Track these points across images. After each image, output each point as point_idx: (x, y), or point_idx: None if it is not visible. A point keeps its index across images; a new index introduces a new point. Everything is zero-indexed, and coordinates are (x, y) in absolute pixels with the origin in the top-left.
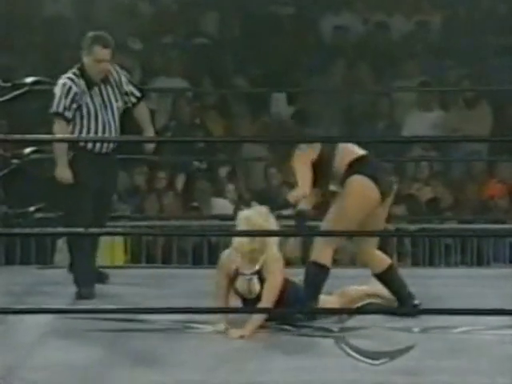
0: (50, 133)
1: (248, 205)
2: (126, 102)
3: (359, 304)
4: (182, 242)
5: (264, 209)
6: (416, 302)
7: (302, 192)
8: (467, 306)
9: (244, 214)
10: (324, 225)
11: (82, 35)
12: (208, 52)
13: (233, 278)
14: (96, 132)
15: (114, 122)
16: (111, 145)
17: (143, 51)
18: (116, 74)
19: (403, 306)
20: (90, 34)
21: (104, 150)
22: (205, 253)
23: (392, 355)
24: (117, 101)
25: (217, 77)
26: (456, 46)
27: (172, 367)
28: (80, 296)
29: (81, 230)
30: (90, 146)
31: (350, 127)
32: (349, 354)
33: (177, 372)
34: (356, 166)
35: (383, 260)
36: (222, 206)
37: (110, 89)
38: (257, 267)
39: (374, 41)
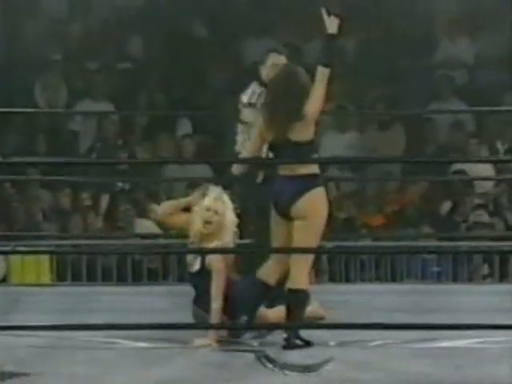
0: None
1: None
2: None
3: None
4: (107, 260)
5: (218, 192)
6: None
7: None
8: (381, 320)
9: (204, 203)
10: None
11: (9, 55)
12: (132, 75)
13: None
14: None
15: None
16: None
17: (70, 73)
18: None
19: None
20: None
21: None
22: (128, 270)
23: (309, 368)
24: None
25: (140, 99)
26: (371, 68)
27: (94, 381)
28: None
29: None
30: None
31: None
32: (269, 368)
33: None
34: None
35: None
36: (146, 226)
37: None
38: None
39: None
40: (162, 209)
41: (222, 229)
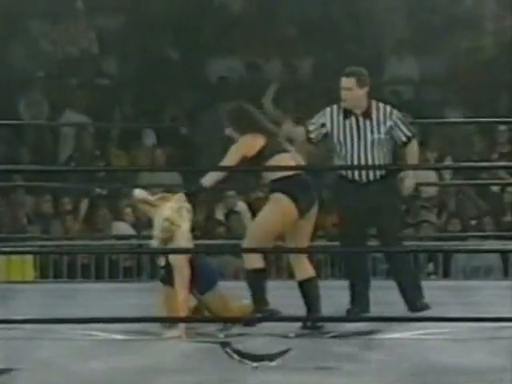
0: None
1: (144, 227)
2: (394, 139)
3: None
4: (85, 260)
5: (178, 204)
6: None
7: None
8: (336, 314)
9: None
10: (248, 231)
11: None
12: (109, 91)
13: None
14: (351, 161)
15: (370, 153)
16: (372, 174)
17: (52, 89)
18: (378, 110)
19: (309, 318)
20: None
21: (364, 180)
22: (106, 269)
23: (271, 357)
24: (373, 133)
25: (116, 113)
26: (323, 85)
27: (74, 369)
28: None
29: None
30: (349, 175)
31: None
32: (233, 357)
33: (78, 373)
34: (280, 184)
35: (307, 270)
36: (122, 228)
37: (368, 121)
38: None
39: (252, 81)
40: (138, 195)
41: (177, 237)
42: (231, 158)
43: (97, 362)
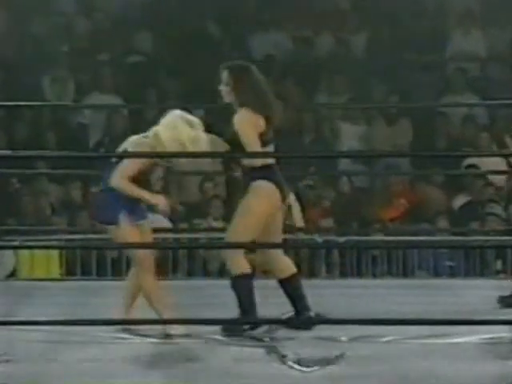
0: None
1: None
2: None
3: None
4: (116, 255)
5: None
6: (311, 313)
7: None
8: (393, 315)
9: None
10: (230, 229)
11: (18, 52)
12: (142, 69)
13: None
14: None
15: None
16: None
17: (78, 67)
18: None
19: (298, 316)
20: None
21: None
22: None
23: (321, 363)
24: None
25: (151, 94)
26: (379, 63)
27: (106, 374)
28: None
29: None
30: None
31: (277, 141)
32: (280, 363)
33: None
34: (262, 172)
35: (288, 267)
36: (157, 219)
37: None
38: None
39: (301, 57)
40: None
41: None
42: (253, 142)
43: (128, 368)
